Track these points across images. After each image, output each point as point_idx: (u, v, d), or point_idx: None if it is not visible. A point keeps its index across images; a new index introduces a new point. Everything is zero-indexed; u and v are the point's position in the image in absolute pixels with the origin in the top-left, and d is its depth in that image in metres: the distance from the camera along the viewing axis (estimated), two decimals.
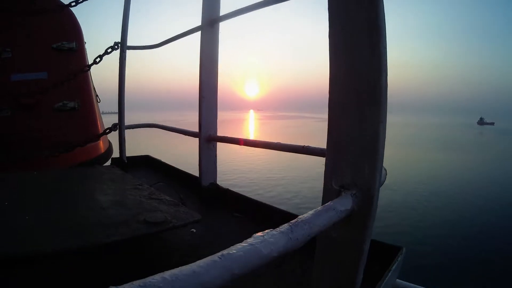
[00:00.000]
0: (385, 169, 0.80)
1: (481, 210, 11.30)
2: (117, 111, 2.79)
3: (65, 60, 3.27)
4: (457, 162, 22.27)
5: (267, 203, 1.50)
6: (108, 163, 3.23)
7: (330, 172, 0.64)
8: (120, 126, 2.72)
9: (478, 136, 61.76)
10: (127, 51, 2.71)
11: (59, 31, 3.26)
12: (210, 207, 1.72)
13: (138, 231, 1.18)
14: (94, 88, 3.79)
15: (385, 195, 11.43)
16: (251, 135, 42.87)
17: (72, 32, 3.32)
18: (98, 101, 4.04)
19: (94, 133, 3.38)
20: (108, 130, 2.87)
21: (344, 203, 0.56)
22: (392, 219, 9.42)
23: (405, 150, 26.37)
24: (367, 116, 0.59)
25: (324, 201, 0.62)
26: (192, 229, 1.42)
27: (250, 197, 1.59)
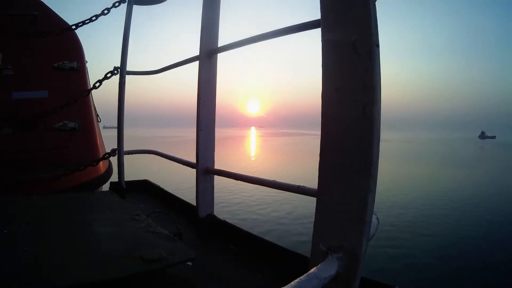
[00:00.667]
0: (377, 218, 0.81)
1: (487, 224, 11.22)
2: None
3: (66, 79, 3.30)
4: (458, 177, 22.14)
5: (264, 236, 1.50)
6: (107, 185, 3.24)
7: (318, 234, 0.65)
8: (119, 152, 2.73)
9: (479, 151, 61.64)
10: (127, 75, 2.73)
11: (60, 50, 3.30)
12: (207, 238, 1.73)
13: (133, 269, 1.18)
14: (94, 107, 3.82)
15: (385, 211, 11.36)
16: (252, 152, 42.90)
17: (73, 51, 3.36)
18: (99, 120, 4.07)
19: (94, 154, 3.40)
20: (107, 155, 2.88)
21: (329, 269, 0.57)
22: (391, 236, 9.33)
23: (405, 166, 26.21)
24: (357, 185, 0.60)
25: (311, 261, 0.63)
26: (188, 262, 1.42)
27: (247, 230, 1.59)
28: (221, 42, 1.70)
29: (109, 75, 2.82)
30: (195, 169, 1.74)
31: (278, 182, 1.23)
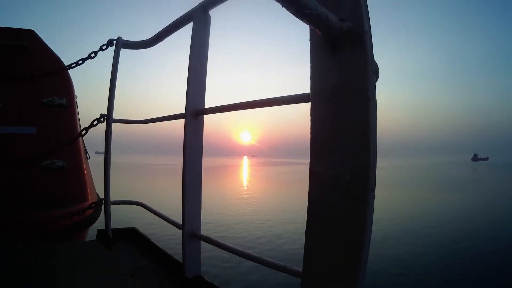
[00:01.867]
0: None
1: (482, 247, 11.09)
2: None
3: (55, 115, 3.23)
4: (452, 201, 22.12)
5: None
6: (95, 231, 3.13)
7: None
8: (105, 201, 2.65)
9: (473, 173, 62.08)
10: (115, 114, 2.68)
11: (50, 87, 3.25)
12: None
13: None
14: (83, 144, 3.76)
15: (380, 238, 11.18)
16: (245, 181, 42.85)
17: (63, 88, 3.31)
18: (88, 158, 4.00)
19: (82, 193, 3.31)
20: (93, 205, 2.81)
21: None
22: (386, 264, 9.16)
23: (398, 192, 26.05)
24: (345, 274, 0.56)
25: None
26: None
27: None
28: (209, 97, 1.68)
29: (95, 122, 2.77)
30: (181, 231, 1.67)
31: (264, 259, 1.16)
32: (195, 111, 1.60)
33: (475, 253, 10.49)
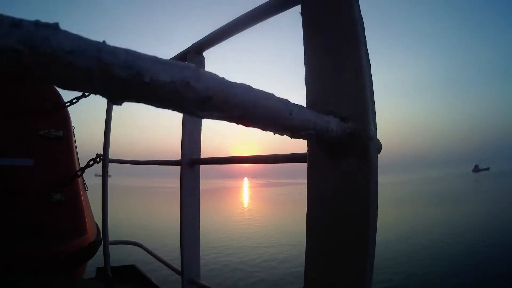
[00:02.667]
0: None
1: (488, 260, 10.96)
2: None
3: (51, 147, 3.23)
4: (455, 215, 21.91)
5: None
6: (94, 268, 3.09)
7: None
8: (104, 241, 2.64)
9: (474, 184, 61.71)
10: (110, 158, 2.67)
11: (47, 119, 3.25)
12: None
13: None
14: (82, 176, 3.75)
15: (385, 256, 11.01)
16: (245, 202, 42.69)
17: (60, 120, 3.31)
18: (86, 189, 3.98)
19: (80, 226, 3.27)
20: (92, 244, 2.80)
21: None
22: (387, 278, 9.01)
23: (401, 208, 25.76)
24: None
25: None
26: None
27: None
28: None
29: (91, 162, 2.78)
30: (180, 276, 1.65)
31: None
32: (191, 160, 1.60)
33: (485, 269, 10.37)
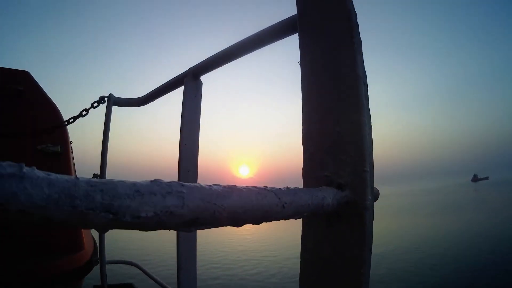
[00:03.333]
0: None
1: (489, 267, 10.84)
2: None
3: (49, 163, 3.19)
4: (455, 224, 21.78)
5: None
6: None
7: None
8: (101, 261, 2.61)
9: (473, 194, 61.48)
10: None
11: (44, 133, 3.21)
12: None
13: None
14: None
15: (383, 267, 10.92)
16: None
17: (57, 135, 3.26)
18: None
19: (78, 242, 3.24)
20: (88, 263, 2.75)
21: None
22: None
23: (401, 219, 25.63)
24: None
25: None
26: None
27: None
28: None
29: None
30: None
31: None
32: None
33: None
